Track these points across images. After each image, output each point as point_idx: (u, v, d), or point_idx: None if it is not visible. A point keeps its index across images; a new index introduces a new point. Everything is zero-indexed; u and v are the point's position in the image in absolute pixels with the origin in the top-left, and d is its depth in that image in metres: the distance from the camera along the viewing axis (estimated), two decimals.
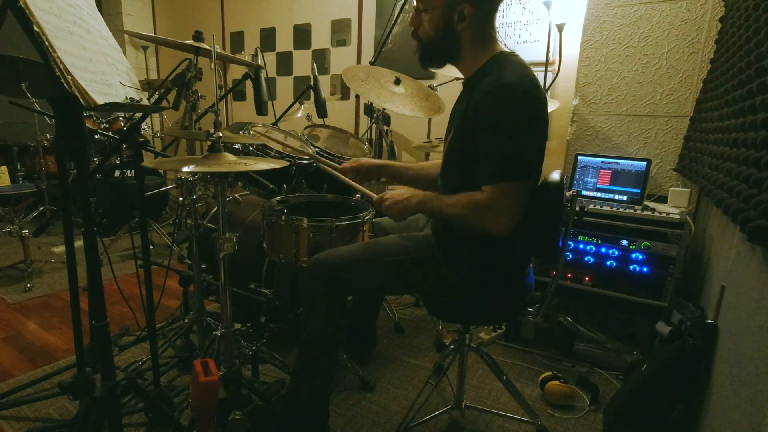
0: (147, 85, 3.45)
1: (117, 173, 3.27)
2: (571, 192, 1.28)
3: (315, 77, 2.24)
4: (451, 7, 1.16)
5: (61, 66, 0.83)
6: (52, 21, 0.86)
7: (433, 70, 1.38)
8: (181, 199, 1.72)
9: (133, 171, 2.86)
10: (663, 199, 2.03)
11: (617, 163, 2.00)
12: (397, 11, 2.48)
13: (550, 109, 2.26)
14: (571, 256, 1.91)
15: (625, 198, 1.97)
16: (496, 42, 1.21)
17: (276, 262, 1.76)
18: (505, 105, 1.08)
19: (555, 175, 1.21)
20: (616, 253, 1.84)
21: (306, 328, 1.31)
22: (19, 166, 3.41)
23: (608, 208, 1.85)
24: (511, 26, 2.80)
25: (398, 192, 1.29)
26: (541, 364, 1.91)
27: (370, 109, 2.89)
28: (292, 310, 1.81)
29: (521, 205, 1.11)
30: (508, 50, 1.21)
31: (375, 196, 1.36)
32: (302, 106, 2.87)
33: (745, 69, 1.20)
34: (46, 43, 0.81)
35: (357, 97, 3.57)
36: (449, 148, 1.28)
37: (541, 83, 2.52)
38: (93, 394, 1.08)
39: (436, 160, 1.44)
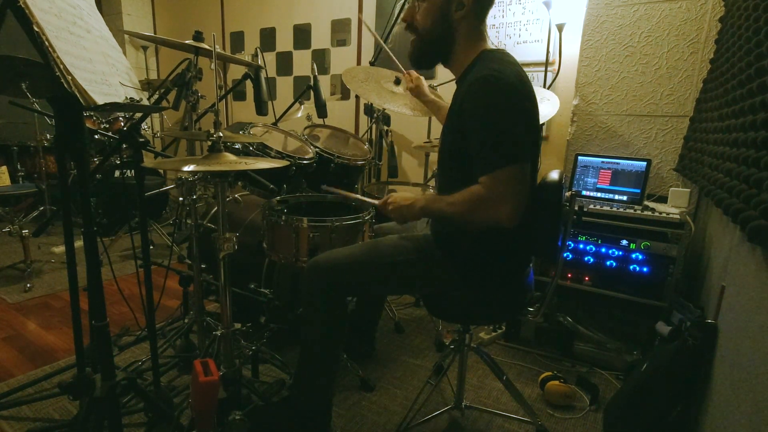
0: (147, 85, 3.46)
1: (117, 173, 3.27)
2: (570, 192, 1.28)
3: (315, 77, 2.25)
4: None
5: (61, 66, 0.83)
6: (52, 21, 0.86)
7: (427, 69, 1.37)
8: (181, 199, 1.72)
9: (133, 171, 2.86)
10: (663, 199, 2.03)
11: (617, 163, 2.00)
12: (397, 11, 2.48)
13: (551, 109, 2.26)
14: (571, 256, 1.91)
15: (625, 198, 1.97)
16: (485, 41, 1.21)
17: (276, 262, 1.76)
18: (485, 95, 1.08)
19: (554, 175, 1.21)
20: (616, 253, 1.84)
21: (306, 330, 1.31)
22: (19, 166, 3.41)
23: (608, 208, 1.85)
24: (511, 26, 2.80)
25: (402, 196, 1.27)
26: (541, 364, 1.91)
27: (370, 109, 2.89)
28: (292, 310, 1.81)
29: (522, 191, 1.06)
30: (495, 47, 1.20)
31: (378, 202, 1.34)
32: (302, 106, 2.87)
33: (745, 69, 1.20)
34: (46, 43, 0.82)
35: (357, 97, 3.57)
36: (441, 147, 1.29)
37: (541, 83, 2.56)
38: (93, 394, 1.08)
39: None
